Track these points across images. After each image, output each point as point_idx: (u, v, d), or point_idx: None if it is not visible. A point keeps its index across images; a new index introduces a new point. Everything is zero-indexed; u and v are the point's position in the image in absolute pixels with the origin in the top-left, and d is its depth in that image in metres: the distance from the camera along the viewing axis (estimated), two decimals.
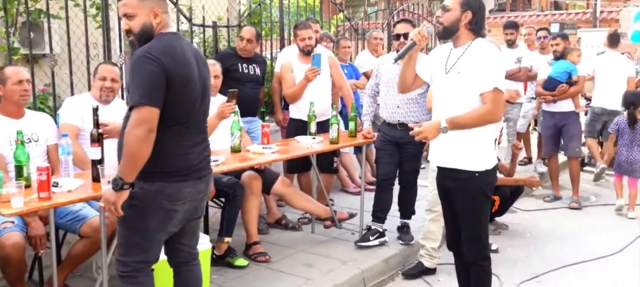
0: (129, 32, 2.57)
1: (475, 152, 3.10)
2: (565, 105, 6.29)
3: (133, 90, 2.46)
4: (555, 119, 6.35)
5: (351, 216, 4.94)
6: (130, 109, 2.47)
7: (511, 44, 7.28)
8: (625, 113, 6.11)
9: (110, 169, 3.18)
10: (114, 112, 3.63)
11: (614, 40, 7.22)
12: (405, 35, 4.38)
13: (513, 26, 7.39)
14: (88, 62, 4.67)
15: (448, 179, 3.22)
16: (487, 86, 2.99)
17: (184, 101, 2.57)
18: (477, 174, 3.10)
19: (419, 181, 4.74)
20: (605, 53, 7.51)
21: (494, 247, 4.85)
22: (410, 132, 3.14)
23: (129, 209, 2.57)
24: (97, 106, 3.22)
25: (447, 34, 3.12)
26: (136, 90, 2.44)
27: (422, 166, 5.77)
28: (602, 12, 15.33)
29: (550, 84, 6.27)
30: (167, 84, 2.47)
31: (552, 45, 6.61)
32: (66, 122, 3.75)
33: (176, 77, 2.50)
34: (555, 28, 14.33)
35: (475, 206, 3.17)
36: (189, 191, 2.66)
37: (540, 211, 6.17)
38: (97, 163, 3.11)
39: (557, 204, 6.42)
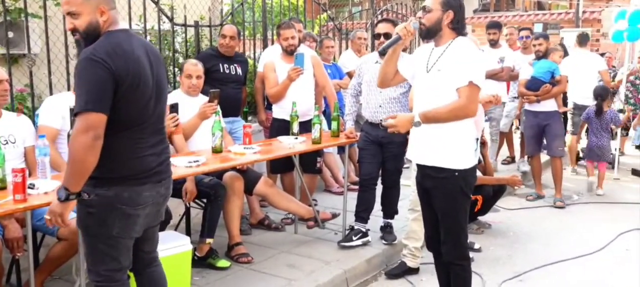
0: (74, 30, 2.43)
1: (455, 150, 3.11)
2: (548, 105, 6.34)
3: (78, 95, 2.34)
4: (539, 118, 6.40)
5: (334, 216, 4.93)
6: (75, 115, 2.34)
7: (494, 43, 7.31)
8: (594, 104, 6.89)
9: None
10: None
11: (582, 39, 7.69)
12: (386, 35, 4.38)
13: (496, 26, 7.42)
14: (67, 61, 4.60)
15: (427, 177, 3.22)
16: (462, 81, 3.01)
17: (137, 103, 2.46)
18: (456, 173, 3.10)
19: (402, 181, 4.74)
20: (574, 52, 7.68)
21: (476, 246, 4.87)
22: (383, 123, 3.15)
23: (88, 217, 2.49)
24: (73, 107, 3.16)
25: (429, 34, 3.14)
26: (82, 95, 2.32)
27: (405, 165, 5.78)
28: (584, 12, 15.44)
29: (534, 84, 6.31)
30: (116, 86, 2.35)
31: (534, 45, 6.65)
32: (44, 124, 3.69)
33: (126, 78, 2.38)
34: (538, 28, 14.41)
35: (454, 204, 3.18)
36: (149, 195, 2.57)
37: (523, 209, 6.21)
38: None
39: (540, 202, 6.46)
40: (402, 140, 4.50)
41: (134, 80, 2.42)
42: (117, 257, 2.59)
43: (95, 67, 2.31)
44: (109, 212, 2.49)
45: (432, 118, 3.05)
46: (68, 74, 4.59)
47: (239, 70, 5.22)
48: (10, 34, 4.49)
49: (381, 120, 4.42)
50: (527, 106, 6.56)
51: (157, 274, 2.88)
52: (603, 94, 6.93)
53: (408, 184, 4.55)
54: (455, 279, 3.32)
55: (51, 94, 4.43)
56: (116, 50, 2.38)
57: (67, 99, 3.75)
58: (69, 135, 3.07)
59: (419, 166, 3.29)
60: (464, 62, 3.03)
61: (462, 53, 3.05)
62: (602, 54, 10.11)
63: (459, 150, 3.11)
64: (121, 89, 2.37)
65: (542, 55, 6.46)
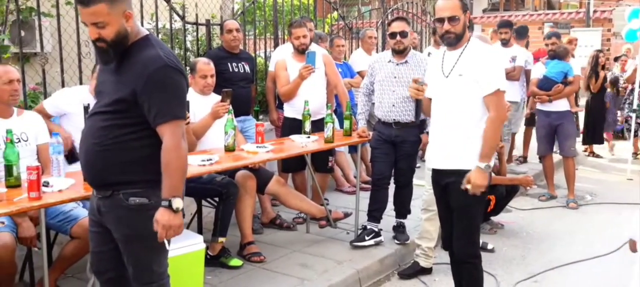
0: (98, 39, 2.32)
1: (472, 151, 3.09)
2: (560, 105, 6.30)
3: (164, 103, 2.32)
4: (551, 118, 6.35)
5: (346, 215, 4.90)
6: (161, 123, 2.32)
7: (506, 43, 7.25)
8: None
9: None
10: None
11: (521, 33, 7.81)
12: (402, 34, 4.35)
13: (507, 25, 7.36)
14: (79, 60, 4.60)
15: (445, 175, 3.21)
16: (489, 88, 3.01)
17: None
18: None
19: (415, 180, 4.71)
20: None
21: (490, 246, 4.83)
22: (465, 191, 3.07)
23: (149, 221, 2.37)
24: (88, 104, 3.16)
25: (458, 41, 3.12)
26: (170, 102, 2.33)
27: (418, 165, 5.74)
28: (595, 11, 15.35)
29: (546, 84, 6.27)
30: None
31: (546, 44, 6.59)
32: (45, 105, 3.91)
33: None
34: (548, 28, 14.33)
35: (470, 203, 3.16)
36: None
37: (536, 210, 6.16)
38: None
39: (553, 203, 6.41)
40: (415, 140, 4.49)
41: None
42: (167, 253, 2.58)
43: (177, 75, 2.35)
44: None
45: (487, 153, 3.06)
46: (80, 72, 4.59)
47: (247, 68, 5.21)
48: (23, 33, 4.49)
49: (394, 119, 4.41)
50: (539, 106, 6.51)
51: None
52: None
53: (421, 183, 4.51)
54: (468, 278, 3.31)
55: None
56: (175, 57, 2.42)
57: (81, 93, 3.78)
58: None
59: (436, 170, 3.28)
60: (488, 68, 3.04)
61: (484, 57, 3.06)
62: (617, 57, 9.98)
63: (475, 151, 3.09)
64: None
65: (555, 55, 6.40)
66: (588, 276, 4.42)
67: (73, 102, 3.83)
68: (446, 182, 3.22)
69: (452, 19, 3.06)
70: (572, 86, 6.26)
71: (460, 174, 3.10)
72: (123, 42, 2.34)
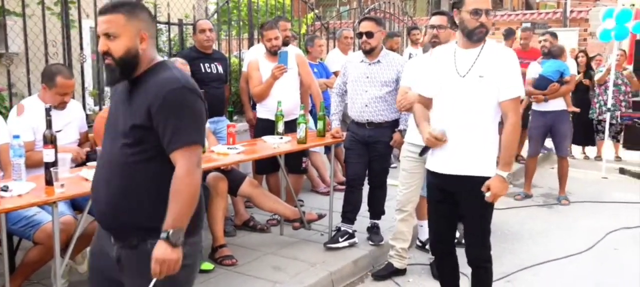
0: (106, 54, 2.13)
1: (488, 157, 3.05)
2: (556, 105, 6.25)
3: (181, 127, 2.07)
4: (546, 118, 6.32)
5: (320, 216, 4.86)
6: (176, 148, 2.06)
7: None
8: None
9: (64, 171, 3.08)
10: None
11: (508, 35, 7.96)
12: (368, 34, 4.31)
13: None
14: (47, 60, 4.50)
15: (456, 183, 3.09)
16: (511, 93, 2.96)
17: None
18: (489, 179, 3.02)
19: (389, 181, 4.68)
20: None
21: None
22: (486, 198, 2.98)
23: (181, 271, 2.11)
24: (50, 106, 3.08)
25: (485, 37, 3.03)
26: (188, 127, 2.08)
27: (393, 165, 5.73)
28: (572, 11, 15.49)
29: (542, 82, 6.23)
30: None
31: (540, 41, 6.56)
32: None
33: None
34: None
35: (487, 207, 3.10)
36: None
37: (511, 209, 6.17)
38: (50, 166, 2.98)
39: (528, 202, 6.43)
40: (388, 140, 4.46)
41: None
42: None
43: (195, 98, 2.12)
44: (197, 258, 2.29)
45: (509, 161, 3.00)
46: None
47: (220, 68, 5.15)
48: None
49: (367, 119, 4.38)
50: (534, 106, 6.45)
51: None
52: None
53: (395, 184, 4.48)
54: (485, 281, 3.26)
55: (30, 93, 4.33)
56: (193, 80, 2.20)
57: (33, 106, 3.65)
58: (44, 136, 3.00)
59: (443, 174, 3.14)
60: (511, 72, 2.98)
61: (506, 59, 2.99)
62: (593, 57, 10.07)
63: (491, 157, 3.07)
64: None
65: (548, 53, 6.38)
66: (562, 274, 4.43)
67: (29, 122, 3.66)
68: (459, 189, 3.10)
69: (488, 13, 2.96)
70: (568, 85, 6.23)
71: (478, 181, 2.99)
72: (132, 63, 2.13)
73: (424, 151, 3.19)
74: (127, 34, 2.10)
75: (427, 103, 3.22)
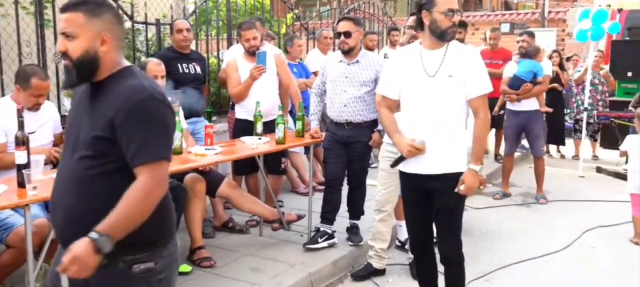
0: (64, 54, 1.98)
1: (460, 153, 3.11)
2: (529, 105, 6.30)
3: (148, 140, 1.92)
4: (520, 118, 6.36)
5: (299, 217, 4.84)
6: (141, 163, 1.91)
7: (460, 42, 7.27)
8: None
9: (37, 173, 3.02)
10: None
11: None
12: (346, 34, 4.30)
13: (461, 25, 7.40)
14: (20, 61, 4.42)
15: (430, 181, 3.12)
16: (480, 90, 3.03)
17: None
18: (462, 174, 3.07)
19: (368, 181, 4.68)
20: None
21: None
22: (460, 192, 3.06)
23: (157, 285, 2.06)
24: (22, 107, 3.03)
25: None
26: (156, 140, 1.94)
27: (373, 165, 5.73)
28: (550, 12, 15.66)
29: (515, 82, 6.28)
30: None
31: (518, 42, 6.62)
32: None
33: None
34: (505, 28, 14.54)
35: (459, 202, 3.18)
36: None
37: (490, 208, 6.21)
38: (22, 168, 2.92)
39: (507, 201, 6.48)
40: (367, 140, 4.45)
41: None
42: None
43: (164, 109, 1.97)
44: (173, 271, 2.19)
45: (481, 154, 3.08)
46: None
47: (198, 69, 5.10)
48: None
49: (346, 120, 4.37)
50: (508, 105, 6.50)
51: None
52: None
53: (374, 184, 4.48)
54: (453, 279, 3.30)
55: (3, 94, 4.25)
56: (162, 90, 2.05)
57: (5, 107, 3.58)
58: (16, 137, 2.94)
59: (417, 175, 3.16)
60: (478, 70, 3.05)
61: (472, 58, 3.07)
62: (569, 57, 10.17)
63: (462, 153, 3.12)
64: None
65: (525, 53, 6.43)
66: (539, 273, 4.46)
67: (0, 124, 3.57)
68: (433, 187, 3.13)
69: (458, 12, 3.02)
70: (541, 86, 6.27)
71: (451, 177, 3.06)
72: (90, 66, 1.97)
73: (398, 161, 3.20)
74: (86, 35, 1.96)
75: (391, 105, 3.25)
